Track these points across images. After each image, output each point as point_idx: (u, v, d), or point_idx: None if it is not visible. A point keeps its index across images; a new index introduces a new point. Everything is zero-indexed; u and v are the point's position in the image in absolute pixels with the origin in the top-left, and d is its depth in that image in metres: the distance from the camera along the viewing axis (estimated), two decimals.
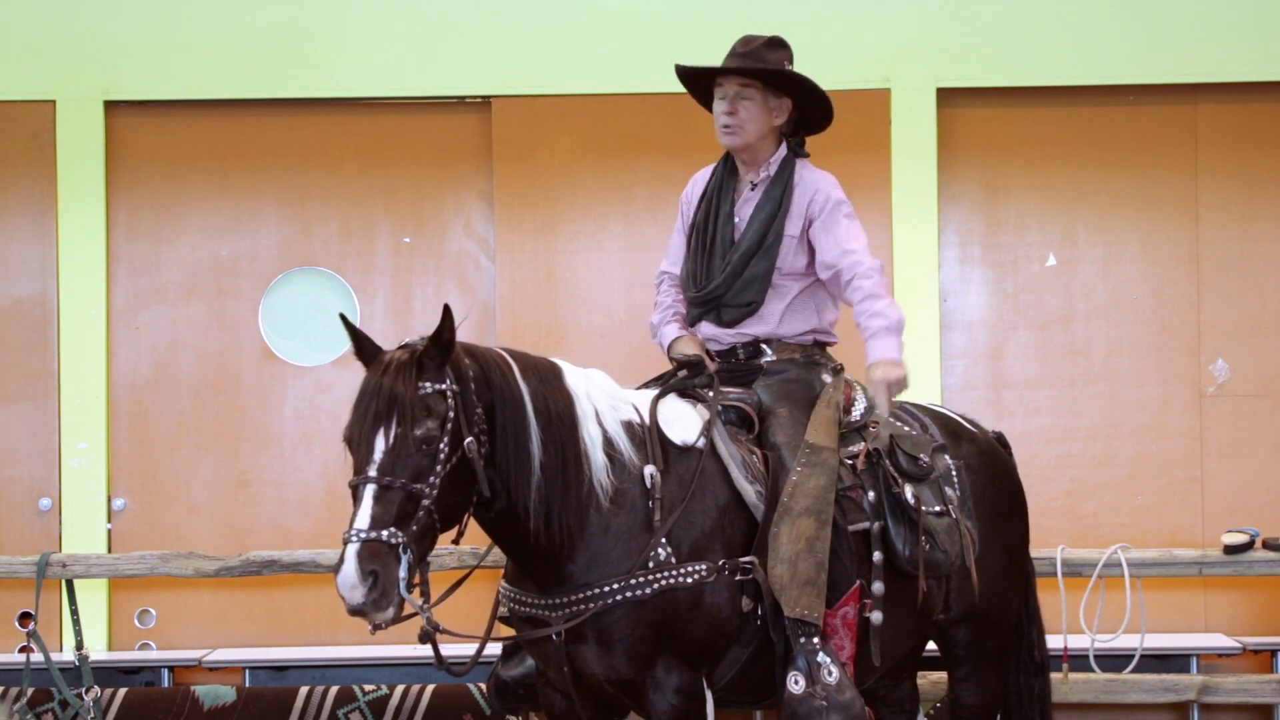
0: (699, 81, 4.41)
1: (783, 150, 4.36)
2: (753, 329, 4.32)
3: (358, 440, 3.62)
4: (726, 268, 4.28)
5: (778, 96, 4.31)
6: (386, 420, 3.59)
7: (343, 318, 3.80)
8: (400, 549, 3.53)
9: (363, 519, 3.53)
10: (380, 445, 3.58)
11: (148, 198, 6.50)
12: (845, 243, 4.23)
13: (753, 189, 4.36)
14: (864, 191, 5.97)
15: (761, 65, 4.27)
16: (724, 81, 4.31)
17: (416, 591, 3.62)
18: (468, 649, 4.02)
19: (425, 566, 3.66)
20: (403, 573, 3.53)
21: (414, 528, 3.56)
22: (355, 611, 3.51)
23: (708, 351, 4.35)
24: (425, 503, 3.58)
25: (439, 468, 3.61)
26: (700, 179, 4.51)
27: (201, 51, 6.43)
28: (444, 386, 3.66)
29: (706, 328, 4.38)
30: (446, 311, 3.67)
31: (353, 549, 3.50)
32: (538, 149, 6.48)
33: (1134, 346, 6.48)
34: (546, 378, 3.90)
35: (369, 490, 3.56)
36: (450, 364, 3.70)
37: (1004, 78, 6.47)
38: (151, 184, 6.50)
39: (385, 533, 3.52)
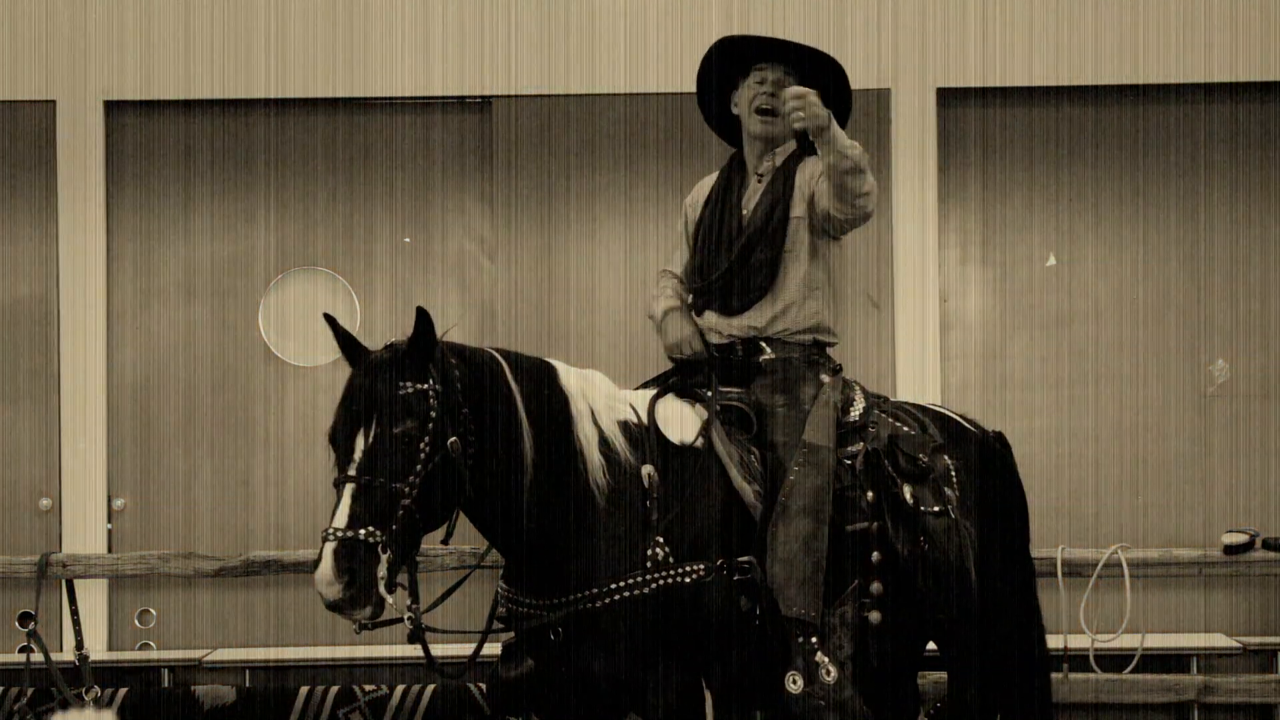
0: (707, 85, 4.49)
1: (790, 143, 4.40)
2: (755, 320, 4.31)
3: (339, 440, 3.64)
4: (734, 254, 4.30)
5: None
6: (366, 420, 3.60)
7: (327, 317, 3.80)
8: (379, 548, 3.52)
9: (341, 518, 3.54)
10: (360, 445, 3.59)
11: (148, 198, 6.50)
12: None
13: (759, 180, 4.40)
14: None
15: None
16: (766, 67, 4.38)
17: (402, 591, 3.62)
18: (465, 648, 4.02)
19: (414, 566, 3.68)
20: (382, 571, 3.52)
21: (394, 526, 3.56)
22: (332, 608, 3.52)
23: (702, 335, 4.35)
24: (405, 502, 3.58)
25: (419, 467, 3.61)
26: (705, 184, 4.56)
27: (201, 51, 6.43)
28: (425, 386, 3.66)
29: (709, 317, 4.38)
30: (420, 314, 3.67)
31: (329, 547, 3.51)
32: (538, 149, 6.48)
33: (1134, 346, 6.48)
34: (539, 378, 3.90)
35: (348, 489, 3.56)
36: (433, 364, 3.70)
37: (1004, 78, 6.47)
38: (151, 184, 6.50)
39: (363, 531, 3.52)
